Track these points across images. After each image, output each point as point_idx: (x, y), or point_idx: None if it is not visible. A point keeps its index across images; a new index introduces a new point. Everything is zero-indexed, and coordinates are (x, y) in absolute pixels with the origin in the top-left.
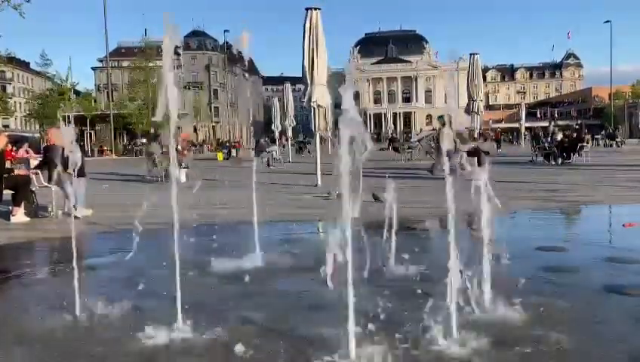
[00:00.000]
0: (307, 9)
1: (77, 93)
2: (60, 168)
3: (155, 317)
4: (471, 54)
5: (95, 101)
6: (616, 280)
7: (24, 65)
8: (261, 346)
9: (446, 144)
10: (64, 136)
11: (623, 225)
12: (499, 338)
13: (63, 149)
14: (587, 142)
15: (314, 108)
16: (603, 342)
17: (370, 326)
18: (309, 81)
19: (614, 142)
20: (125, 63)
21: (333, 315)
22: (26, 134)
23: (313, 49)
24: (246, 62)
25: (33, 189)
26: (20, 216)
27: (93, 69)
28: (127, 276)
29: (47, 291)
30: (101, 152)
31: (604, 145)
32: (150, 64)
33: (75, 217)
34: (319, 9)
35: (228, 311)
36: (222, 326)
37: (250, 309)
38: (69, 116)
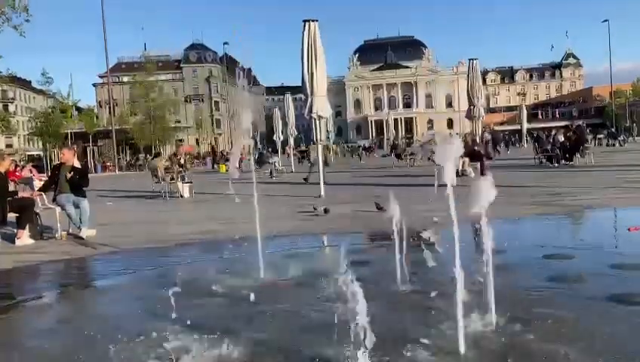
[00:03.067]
0: (304, 21)
1: (79, 109)
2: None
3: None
4: (470, 59)
5: (97, 117)
6: (623, 289)
7: (25, 84)
8: None
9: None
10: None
11: (628, 229)
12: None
13: (73, 167)
14: (589, 142)
15: (315, 120)
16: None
17: None
18: (309, 93)
19: (617, 142)
20: (125, 78)
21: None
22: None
23: (312, 61)
24: (238, 80)
25: (37, 211)
26: (24, 238)
27: (94, 85)
28: (134, 297)
29: (54, 317)
30: (104, 168)
31: (607, 145)
32: (150, 78)
33: (80, 238)
34: (316, 21)
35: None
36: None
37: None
38: (71, 133)
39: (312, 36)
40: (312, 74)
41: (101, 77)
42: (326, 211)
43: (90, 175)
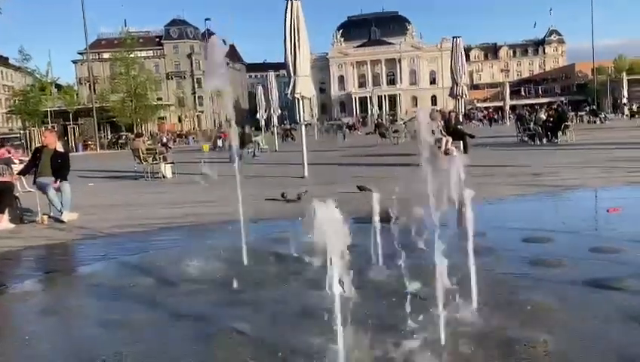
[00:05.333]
0: (287, 0)
1: (58, 87)
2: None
3: None
4: (453, 37)
5: (77, 95)
6: (602, 274)
7: (3, 61)
8: None
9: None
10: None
11: (607, 211)
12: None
13: (55, 151)
14: (571, 121)
15: (298, 100)
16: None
17: None
18: (292, 73)
19: (598, 118)
20: (106, 55)
21: None
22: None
23: (295, 40)
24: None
25: (16, 194)
26: (4, 223)
27: (74, 62)
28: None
29: (37, 305)
30: (85, 147)
31: (588, 122)
32: (131, 55)
33: (61, 222)
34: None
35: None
36: None
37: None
38: (51, 111)
39: (295, 16)
40: (294, 54)
41: (81, 53)
42: (299, 197)
43: (70, 154)
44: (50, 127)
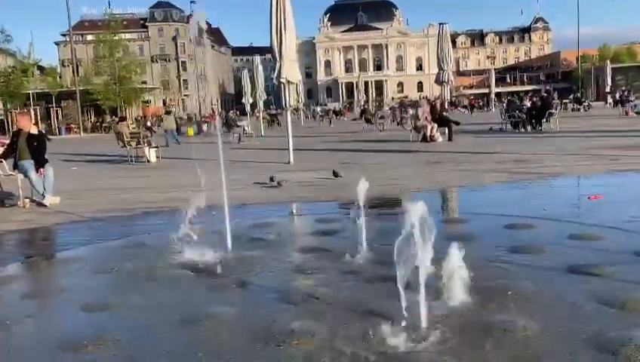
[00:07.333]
0: None
1: (41, 69)
2: None
3: None
4: (440, 24)
5: (60, 77)
6: (582, 260)
7: None
8: None
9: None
10: None
11: (589, 198)
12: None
13: (30, 134)
14: (555, 109)
15: (284, 85)
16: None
17: None
18: (277, 57)
19: (582, 107)
20: (89, 37)
21: None
22: None
23: (281, 24)
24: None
25: None
26: None
27: (57, 43)
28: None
29: (19, 290)
30: (68, 130)
31: (572, 110)
32: (115, 37)
33: (43, 205)
34: None
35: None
36: None
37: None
38: (33, 94)
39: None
40: (280, 38)
41: (63, 35)
42: (279, 184)
43: (54, 137)
44: (23, 110)
